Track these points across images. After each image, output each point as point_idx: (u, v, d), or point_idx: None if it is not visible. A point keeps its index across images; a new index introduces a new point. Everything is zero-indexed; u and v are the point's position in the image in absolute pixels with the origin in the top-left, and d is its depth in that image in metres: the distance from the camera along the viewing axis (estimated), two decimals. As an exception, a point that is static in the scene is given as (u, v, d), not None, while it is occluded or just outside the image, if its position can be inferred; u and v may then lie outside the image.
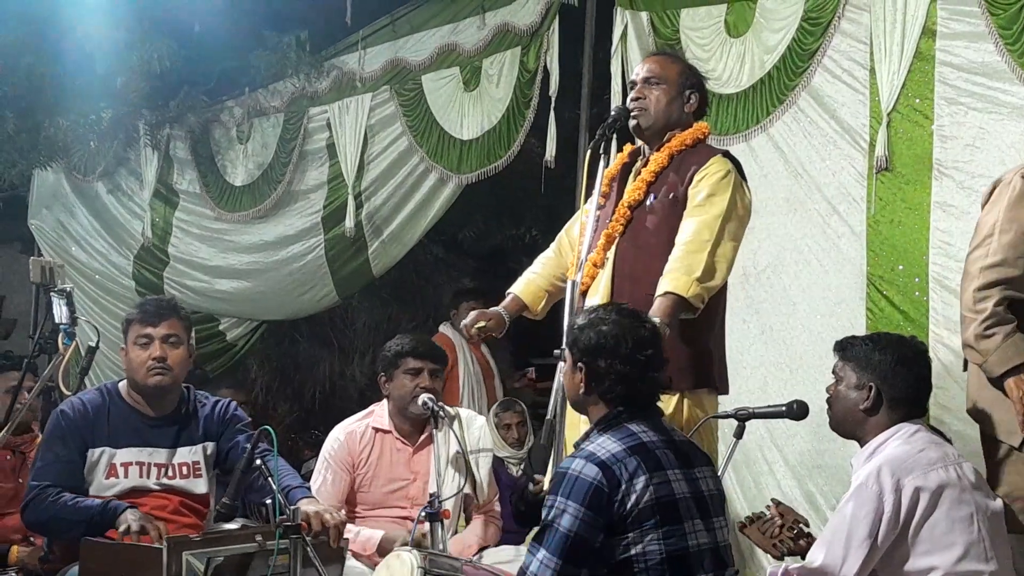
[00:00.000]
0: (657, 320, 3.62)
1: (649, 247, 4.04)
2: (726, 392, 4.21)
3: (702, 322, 3.97)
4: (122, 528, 3.81)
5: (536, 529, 3.16)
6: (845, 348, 3.72)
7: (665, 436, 3.19)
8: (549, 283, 4.40)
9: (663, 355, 3.35)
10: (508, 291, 4.45)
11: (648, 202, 4.10)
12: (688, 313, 3.83)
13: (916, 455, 3.48)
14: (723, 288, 4.08)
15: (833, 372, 3.75)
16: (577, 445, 3.23)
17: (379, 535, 4.55)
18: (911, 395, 3.64)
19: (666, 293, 3.83)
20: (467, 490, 4.68)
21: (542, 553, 3.01)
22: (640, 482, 3.02)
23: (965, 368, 3.92)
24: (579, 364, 3.26)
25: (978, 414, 3.81)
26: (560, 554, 2.98)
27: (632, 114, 4.14)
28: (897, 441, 3.55)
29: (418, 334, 5.49)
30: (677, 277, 3.85)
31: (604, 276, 4.09)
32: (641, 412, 3.21)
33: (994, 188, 3.82)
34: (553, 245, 4.52)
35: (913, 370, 3.64)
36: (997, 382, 3.64)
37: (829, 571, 3.43)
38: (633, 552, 3.01)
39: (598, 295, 4.06)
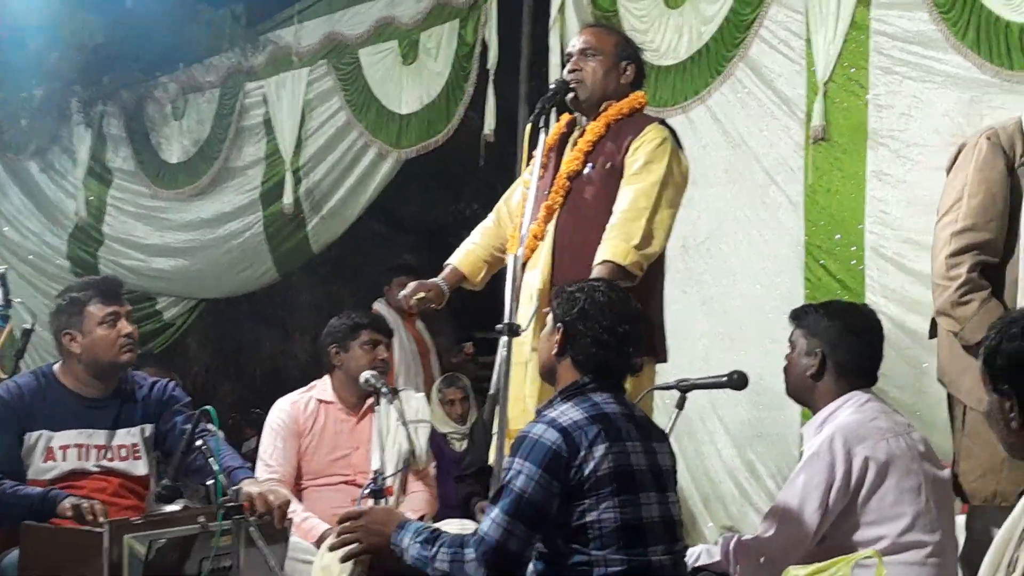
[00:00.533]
0: None
1: (588, 218, 4.03)
2: (666, 360, 4.23)
3: (643, 291, 3.97)
4: (67, 508, 3.75)
5: None
6: (799, 316, 3.72)
7: (627, 410, 3.20)
8: (488, 253, 4.39)
9: (643, 339, 3.35)
10: (447, 262, 4.43)
11: (586, 172, 4.09)
12: (627, 281, 3.83)
13: (868, 424, 3.49)
14: (662, 256, 4.09)
15: (789, 340, 3.75)
16: (539, 412, 3.24)
17: (322, 528, 4.56)
18: (857, 362, 3.63)
19: (604, 261, 3.83)
20: (405, 454, 4.73)
21: (494, 512, 3.02)
22: (600, 450, 3.03)
23: (932, 335, 3.89)
24: (558, 324, 3.26)
25: (950, 381, 3.77)
26: (511, 513, 2.99)
27: (570, 86, 4.12)
28: (848, 410, 3.55)
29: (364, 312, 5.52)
30: (615, 245, 3.85)
31: (544, 248, 4.08)
32: (607, 385, 3.22)
33: (959, 153, 3.76)
34: (491, 215, 4.50)
35: (862, 338, 3.64)
36: (974, 350, 3.54)
37: (782, 541, 3.45)
38: (588, 519, 3.02)
39: (538, 268, 4.05)
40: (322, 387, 4.95)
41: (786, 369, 3.74)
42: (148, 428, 4.21)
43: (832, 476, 3.40)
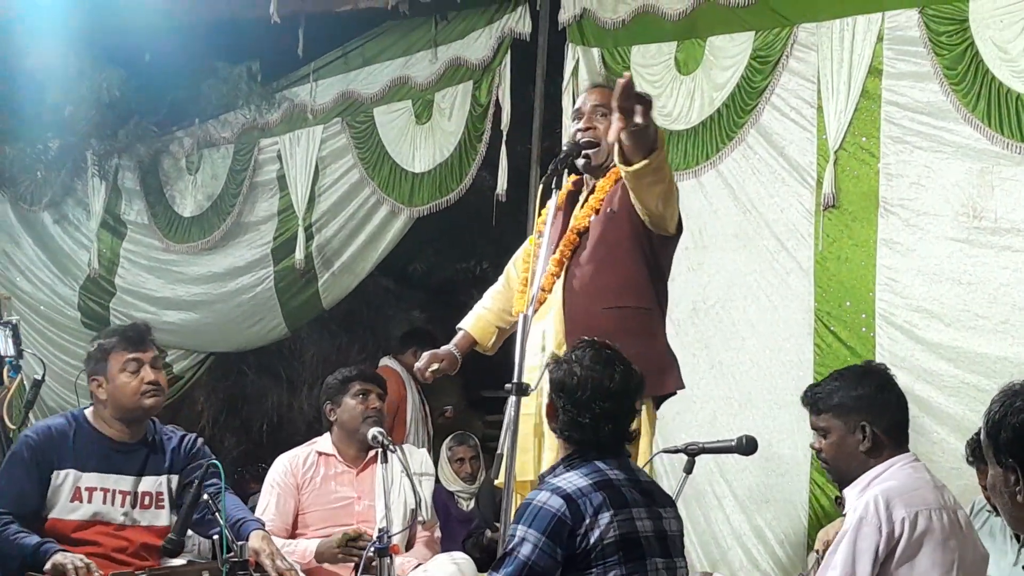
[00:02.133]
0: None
1: (596, 260, 4.00)
2: (674, 392, 4.12)
3: (644, 326, 3.94)
4: (48, 567, 3.77)
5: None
6: (816, 401, 3.58)
7: (631, 475, 3.19)
8: (499, 318, 4.37)
9: (629, 410, 3.29)
10: (458, 326, 4.43)
11: (591, 220, 4.08)
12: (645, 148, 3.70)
13: (911, 492, 3.39)
14: (664, 290, 4.07)
15: (814, 429, 3.60)
16: (543, 478, 3.22)
17: (315, 543, 4.64)
18: (898, 417, 3.54)
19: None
20: (411, 505, 4.75)
21: None
22: (605, 518, 3.02)
23: None
24: (549, 394, 3.28)
25: None
26: None
27: (583, 153, 4.11)
28: (894, 478, 3.44)
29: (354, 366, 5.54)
30: None
31: (555, 300, 4.04)
32: (609, 451, 3.21)
33: None
34: (501, 278, 4.49)
35: (892, 392, 3.56)
36: None
37: None
38: None
39: (550, 314, 4.01)
40: (323, 442, 5.04)
41: (827, 459, 3.58)
42: (174, 479, 4.26)
43: (879, 537, 3.30)
